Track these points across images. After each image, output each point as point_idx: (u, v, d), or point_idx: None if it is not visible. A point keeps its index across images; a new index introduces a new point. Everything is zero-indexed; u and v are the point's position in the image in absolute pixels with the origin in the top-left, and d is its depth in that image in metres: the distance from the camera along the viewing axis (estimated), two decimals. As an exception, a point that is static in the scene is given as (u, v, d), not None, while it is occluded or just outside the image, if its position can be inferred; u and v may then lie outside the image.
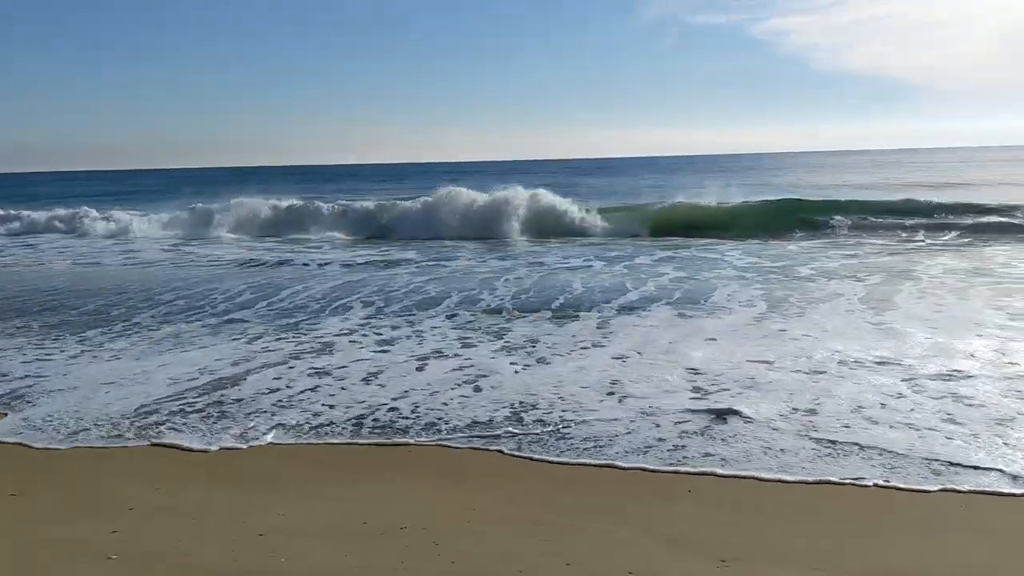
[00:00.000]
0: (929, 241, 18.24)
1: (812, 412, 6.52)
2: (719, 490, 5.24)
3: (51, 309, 12.05)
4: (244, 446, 6.11)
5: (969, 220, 19.00)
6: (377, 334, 9.98)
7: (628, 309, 11.06)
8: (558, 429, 6.31)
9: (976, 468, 5.36)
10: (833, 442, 5.89)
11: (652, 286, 12.93)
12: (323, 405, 6.99)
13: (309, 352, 9.06)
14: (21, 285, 15.11)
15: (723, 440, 6.05)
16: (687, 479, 5.42)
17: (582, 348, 8.87)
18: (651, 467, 5.64)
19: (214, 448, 6.09)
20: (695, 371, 7.81)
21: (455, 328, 10.16)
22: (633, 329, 9.79)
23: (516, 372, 7.98)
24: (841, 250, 17.04)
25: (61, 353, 9.14)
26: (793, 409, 6.60)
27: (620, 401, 6.96)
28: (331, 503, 5.13)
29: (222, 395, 7.34)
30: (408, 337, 9.68)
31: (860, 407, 6.61)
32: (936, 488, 5.14)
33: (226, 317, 11.13)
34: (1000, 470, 5.31)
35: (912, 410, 6.51)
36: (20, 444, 6.31)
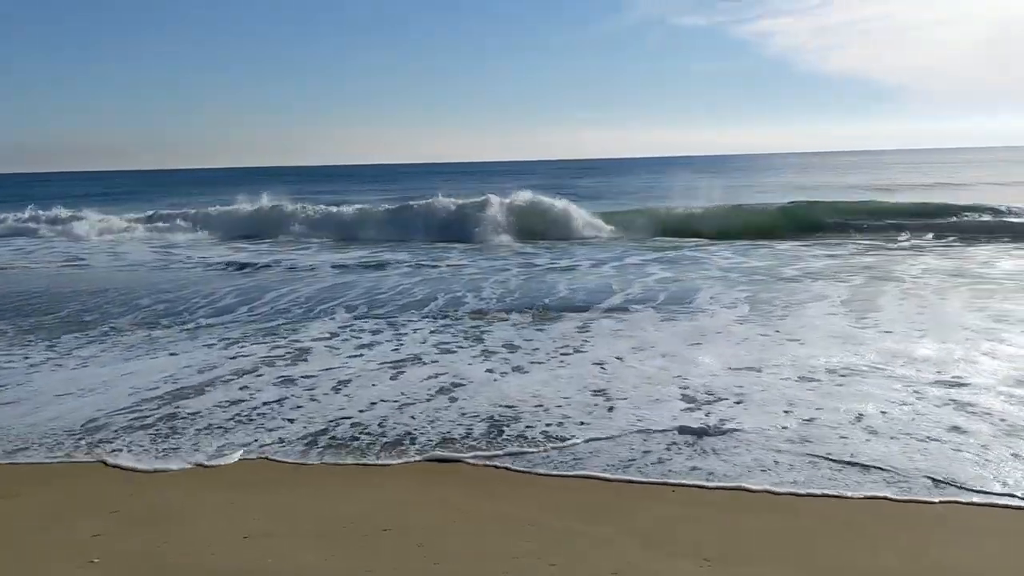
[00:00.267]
0: (914, 241, 17.46)
1: (809, 422, 5.83)
2: (704, 492, 4.91)
3: (26, 314, 11.21)
4: (187, 466, 5.37)
5: (953, 220, 18.27)
6: (357, 338, 9.27)
7: (611, 311, 10.39)
8: (536, 450, 5.59)
9: (970, 478, 4.70)
10: (837, 460, 5.19)
11: (638, 287, 12.25)
12: (283, 419, 6.25)
13: (283, 358, 8.35)
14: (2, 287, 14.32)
15: (715, 452, 5.40)
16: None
17: (563, 354, 8.18)
18: (637, 479, 5.10)
19: (152, 469, 5.35)
20: (683, 379, 7.10)
21: (436, 332, 9.44)
22: (616, 333, 9.10)
23: (494, 380, 7.27)
24: (827, 250, 16.34)
25: (24, 361, 8.38)
26: (786, 424, 5.89)
27: (607, 412, 6.25)
28: (315, 506, 4.78)
29: (178, 408, 6.59)
30: (387, 342, 8.96)
31: (858, 418, 5.93)
32: (937, 500, 4.66)
33: (205, 322, 10.39)
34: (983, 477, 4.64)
35: (913, 419, 5.84)
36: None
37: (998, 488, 4.72)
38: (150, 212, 27.65)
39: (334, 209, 24.32)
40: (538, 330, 9.35)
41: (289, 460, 5.50)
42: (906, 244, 17.03)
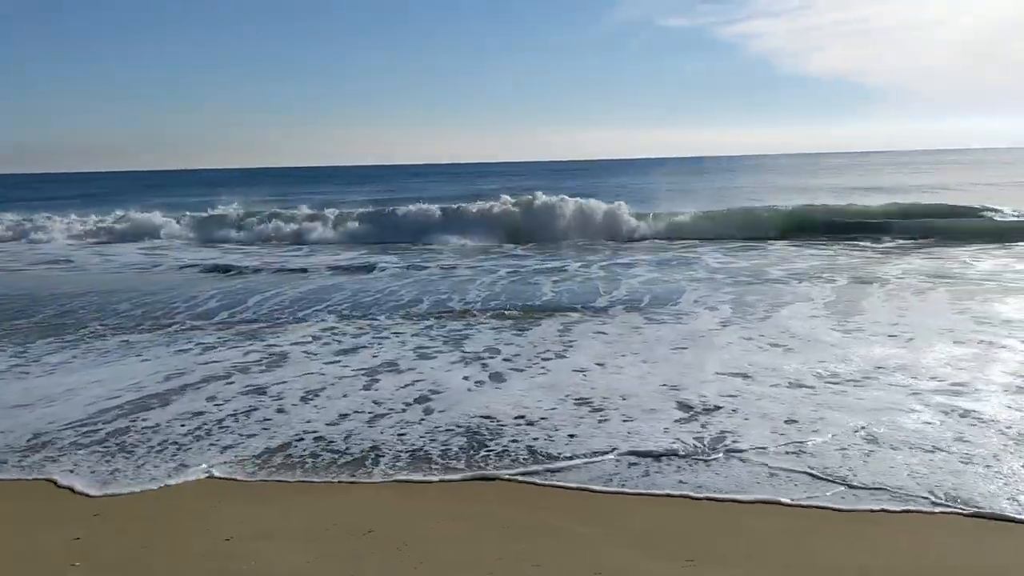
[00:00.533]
0: (898, 243, 16.64)
1: (807, 434, 5.23)
2: (694, 502, 4.52)
3: None
4: (127, 491, 4.70)
5: (934, 222, 17.61)
6: (337, 342, 8.66)
7: (595, 313, 9.78)
8: (518, 472, 4.99)
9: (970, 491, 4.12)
10: (840, 478, 4.61)
11: (624, 289, 11.64)
12: (243, 434, 5.61)
13: (258, 364, 7.73)
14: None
15: (708, 466, 4.82)
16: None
17: (544, 359, 7.56)
18: (627, 490, 4.62)
19: (87, 492, 4.71)
20: (674, 388, 6.48)
21: (417, 335, 8.84)
22: (598, 336, 8.50)
23: (469, 390, 6.66)
24: (813, 252, 15.74)
25: (-11, 368, 7.76)
26: (782, 435, 5.29)
27: (595, 425, 5.63)
28: (297, 508, 4.49)
29: (134, 421, 5.95)
30: (366, 347, 8.34)
31: (855, 429, 5.33)
32: (938, 511, 4.23)
33: (184, 325, 9.76)
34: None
35: (911, 429, 5.24)
36: None
37: (994, 498, 4.15)
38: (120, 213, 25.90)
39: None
40: (519, 334, 8.73)
41: (238, 477, 4.88)
42: (890, 246, 16.35)
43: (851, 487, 4.51)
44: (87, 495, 4.65)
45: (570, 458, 5.05)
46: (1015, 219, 17.71)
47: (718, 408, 5.92)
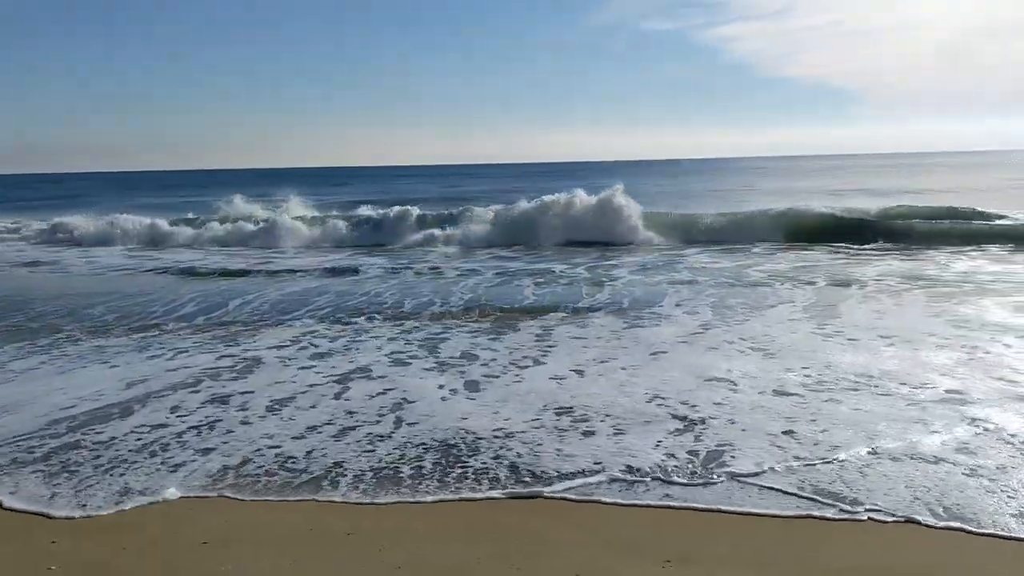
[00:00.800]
0: (875, 245, 15.95)
1: (808, 447, 4.75)
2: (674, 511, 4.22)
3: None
4: (61, 515, 4.16)
5: (910, 224, 17.11)
6: (314, 346, 8.13)
7: (575, 316, 9.28)
8: (501, 494, 4.49)
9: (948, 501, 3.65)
10: (852, 500, 4.13)
11: (607, 292, 11.15)
12: (198, 451, 5.05)
13: (230, 370, 7.19)
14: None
15: (707, 489, 4.34)
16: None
17: (521, 367, 7.06)
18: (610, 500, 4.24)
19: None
20: (659, 396, 5.98)
21: (393, 339, 8.32)
22: (577, 340, 8.00)
23: (444, 399, 6.15)
24: (792, 255, 15.28)
25: (-51, 376, 7.18)
26: (780, 448, 4.82)
27: (576, 440, 5.12)
28: (276, 511, 4.23)
29: (86, 434, 5.38)
30: (341, 352, 7.81)
31: (860, 443, 4.84)
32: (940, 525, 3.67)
33: (162, 329, 9.20)
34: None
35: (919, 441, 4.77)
36: None
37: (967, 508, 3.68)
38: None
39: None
40: (497, 338, 8.22)
41: (191, 495, 4.35)
42: (868, 248, 15.80)
43: (873, 510, 4.05)
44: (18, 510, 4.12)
45: (559, 477, 4.53)
46: (1009, 223, 17.20)
47: (711, 420, 5.41)
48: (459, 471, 4.66)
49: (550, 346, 7.79)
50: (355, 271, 14.39)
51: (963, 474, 4.40)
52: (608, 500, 4.24)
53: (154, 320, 9.77)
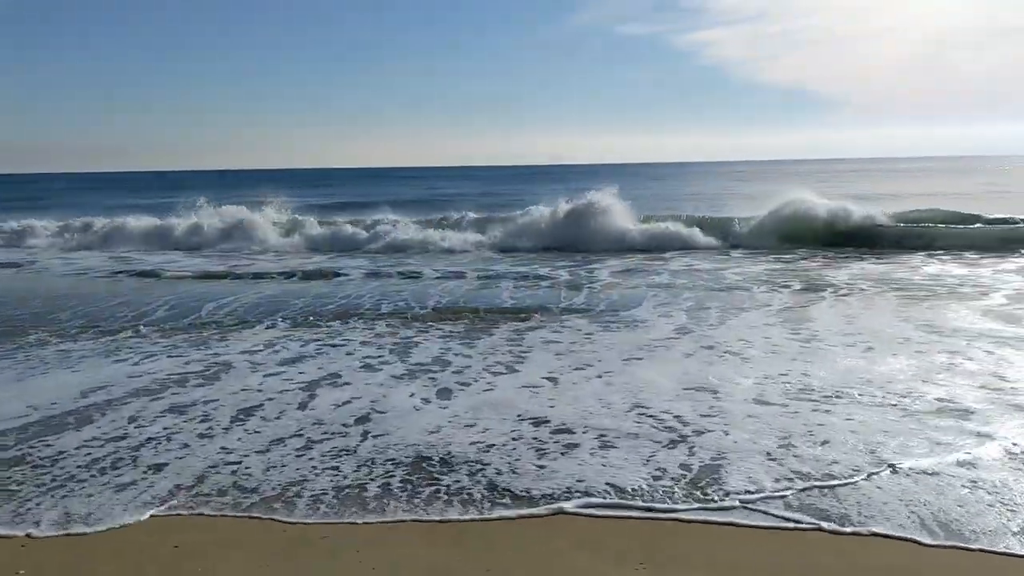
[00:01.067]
0: (845, 252, 15.40)
1: (807, 463, 4.37)
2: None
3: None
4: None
5: (884, 229, 16.77)
6: (286, 349, 7.69)
7: (553, 320, 8.88)
8: (479, 516, 4.08)
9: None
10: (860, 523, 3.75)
11: (584, 295, 10.76)
12: (149, 467, 4.58)
13: (197, 376, 6.73)
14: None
15: (711, 513, 3.93)
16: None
17: (495, 373, 6.65)
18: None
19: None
20: (640, 407, 5.57)
21: (366, 343, 7.89)
22: (550, 346, 7.60)
23: (416, 408, 5.72)
24: (766, 260, 15.00)
25: (-100, 383, 6.64)
26: (779, 463, 4.44)
27: (557, 454, 4.71)
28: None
29: (32, 448, 4.89)
30: (313, 356, 7.37)
31: (865, 459, 4.47)
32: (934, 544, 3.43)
33: (133, 332, 8.69)
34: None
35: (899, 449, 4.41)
36: None
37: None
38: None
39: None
40: (471, 343, 7.79)
41: (125, 523, 3.90)
42: (842, 253, 15.45)
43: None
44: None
45: (545, 499, 4.10)
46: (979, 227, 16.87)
47: (701, 434, 4.99)
48: (432, 488, 4.25)
49: (527, 351, 7.37)
50: (336, 274, 13.91)
51: (987, 494, 4.03)
52: (599, 514, 3.89)
53: (125, 323, 9.25)
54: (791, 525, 3.75)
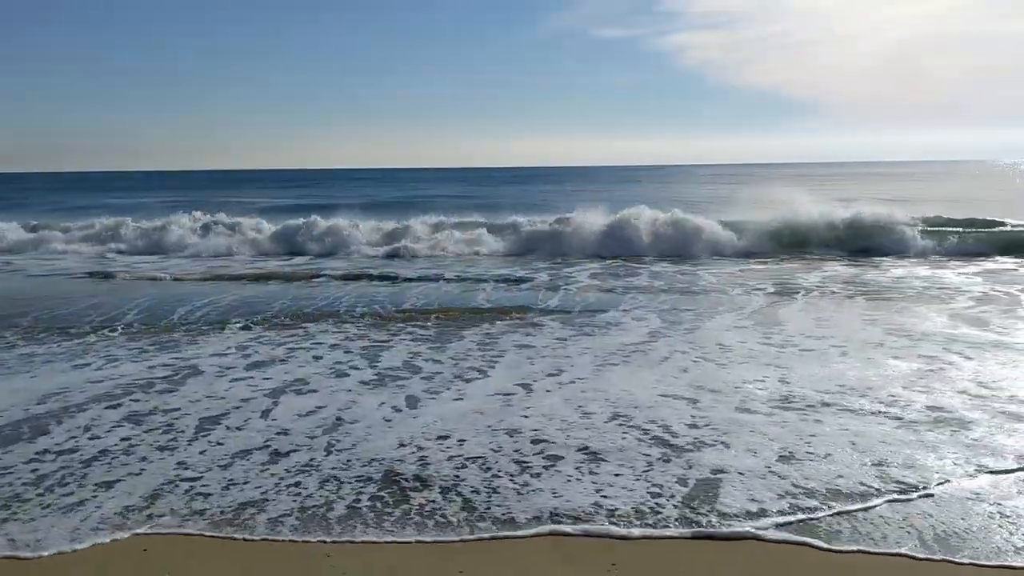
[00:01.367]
0: (821, 253, 15.01)
1: (809, 479, 4.06)
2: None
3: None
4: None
5: (857, 233, 16.42)
6: (256, 353, 7.28)
7: (527, 323, 8.52)
8: (456, 539, 3.72)
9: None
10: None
11: (558, 299, 10.44)
12: (98, 485, 4.16)
13: (163, 381, 6.31)
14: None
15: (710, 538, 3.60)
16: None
17: (466, 380, 6.28)
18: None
19: None
20: (622, 417, 5.23)
21: (336, 346, 7.51)
22: (522, 350, 7.26)
23: (386, 419, 5.32)
24: (744, 265, 14.78)
25: None
26: (779, 475, 4.13)
27: (539, 470, 4.37)
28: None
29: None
30: (283, 361, 6.98)
31: (872, 475, 4.16)
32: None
33: (95, 335, 8.20)
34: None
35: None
36: None
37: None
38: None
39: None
40: (442, 347, 7.42)
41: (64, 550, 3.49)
42: (813, 258, 15.06)
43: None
44: None
45: (532, 522, 3.74)
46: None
47: (696, 448, 4.64)
48: (404, 507, 3.90)
49: (499, 356, 7.02)
50: (316, 276, 13.38)
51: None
52: (589, 535, 3.59)
53: (94, 324, 8.77)
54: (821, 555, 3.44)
